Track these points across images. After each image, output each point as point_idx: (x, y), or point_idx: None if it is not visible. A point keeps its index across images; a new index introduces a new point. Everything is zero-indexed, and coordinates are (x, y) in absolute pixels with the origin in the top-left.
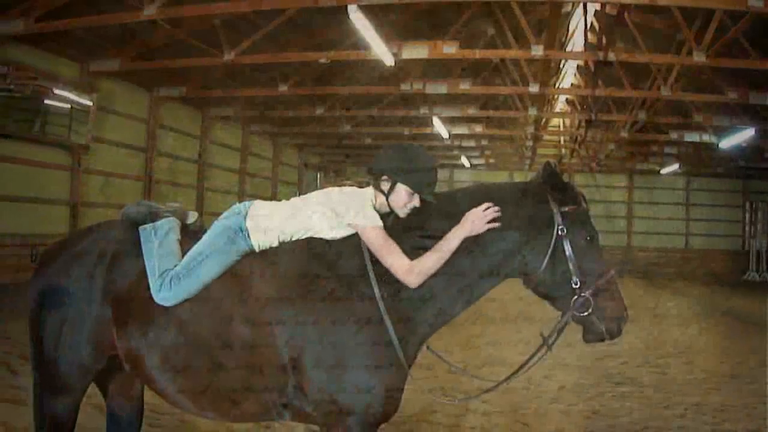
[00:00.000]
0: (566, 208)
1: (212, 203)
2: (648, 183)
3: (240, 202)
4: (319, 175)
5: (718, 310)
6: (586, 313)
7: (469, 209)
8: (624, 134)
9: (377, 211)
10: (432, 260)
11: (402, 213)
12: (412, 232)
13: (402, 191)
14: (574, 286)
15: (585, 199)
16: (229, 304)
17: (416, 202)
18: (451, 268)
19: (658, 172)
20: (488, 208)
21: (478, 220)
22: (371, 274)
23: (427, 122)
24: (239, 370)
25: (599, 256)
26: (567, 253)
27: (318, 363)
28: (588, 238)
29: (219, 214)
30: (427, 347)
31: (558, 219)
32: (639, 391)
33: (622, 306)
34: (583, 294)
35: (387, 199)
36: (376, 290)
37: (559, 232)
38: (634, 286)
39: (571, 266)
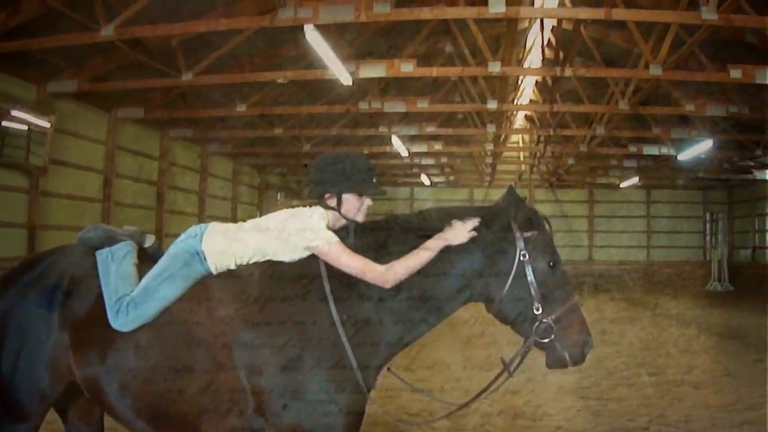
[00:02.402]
0: (529, 233)
1: (172, 225)
2: (608, 197)
3: (198, 223)
4: (279, 196)
5: (681, 320)
6: (547, 340)
7: (431, 230)
8: (583, 149)
9: (333, 229)
10: (408, 263)
11: (360, 218)
12: (374, 253)
13: (350, 199)
14: (535, 312)
15: (549, 223)
16: (187, 328)
17: (368, 201)
18: (412, 290)
19: (618, 185)
20: (473, 222)
21: (459, 229)
22: (330, 297)
23: (386, 141)
24: (198, 395)
25: (562, 282)
26: (529, 278)
27: (277, 387)
28: (551, 263)
29: (178, 236)
30: (388, 369)
31: (520, 244)
32: (602, 404)
33: (585, 332)
34: (544, 320)
35: (340, 213)
36: (335, 313)
37: (521, 258)
38: (595, 299)
39: (533, 292)
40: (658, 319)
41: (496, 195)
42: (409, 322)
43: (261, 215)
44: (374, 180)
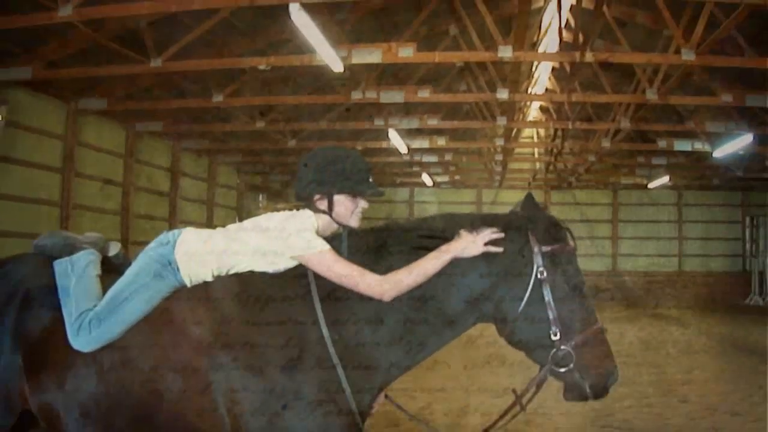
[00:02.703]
0: (548, 248)
1: (139, 231)
2: (635, 199)
3: (170, 229)
4: (262, 198)
5: (716, 339)
6: (565, 369)
7: (436, 240)
8: (606, 144)
9: (324, 236)
10: (411, 274)
11: (354, 222)
12: (370, 265)
13: (343, 201)
14: (553, 337)
15: (573, 237)
16: (158, 348)
17: (363, 204)
18: (414, 306)
19: (646, 186)
20: (490, 232)
21: (474, 241)
22: (320, 314)
23: (382, 135)
24: (170, 423)
25: (585, 304)
26: (546, 299)
27: (259, 414)
28: (572, 283)
29: (147, 244)
30: (386, 396)
31: (538, 260)
32: (602, 405)
33: (609, 362)
34: (563, 347)
35: (331, 216)
36: (326, 331)
37: (539, 275)
38: (619, 315)
39: (550, 314)
40: (687, 339)
41: (507, 197)
42: (410, 343)
43: (241, 220)
44: (370, 179)
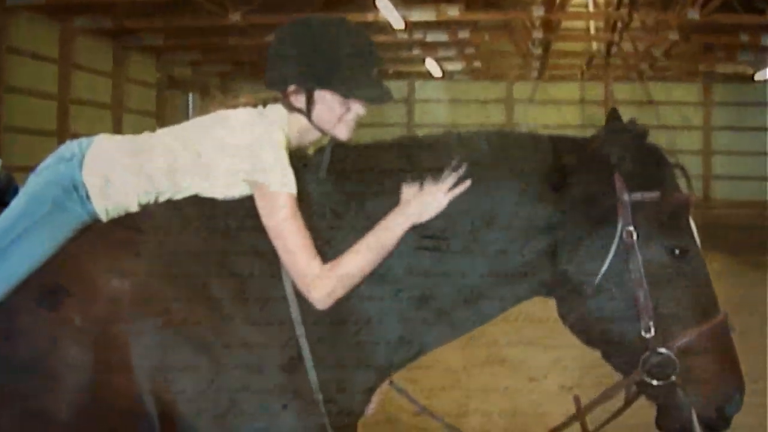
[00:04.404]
0: (642, 195)
1: (15, 149)
2: (735, 96)
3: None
4: (191, 98)
5: None
6: (663, 382)
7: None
8: (694, 16)
9: (300, 145)
10: (353, 264)
11: (343, 134)
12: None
13: (328, 100)
14: (644, 333)
15: (688, 178)
16: (60, 313)
17: (358, 109)
18: (433, 271)
19: (752, 77)
20: (455, 176)
21: (431, 200)
22: (285, 273)
23: (367, 4)
24: (76, 414)
25: (698, 284)
26: (635, 275)
27: (199, 415)
28: (678, 250)
29: (29, 168)
30: (390, 382)
31: (626, 213)
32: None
33: (732, 376)
34: (660, 349)
35: (310, 120)
36: (292, 297)
37: (625, 236)
38: (712, 264)
39: (641, 298)
40: None
41: (551, 93)
42: (425, 324)
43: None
44: (374, 73)
